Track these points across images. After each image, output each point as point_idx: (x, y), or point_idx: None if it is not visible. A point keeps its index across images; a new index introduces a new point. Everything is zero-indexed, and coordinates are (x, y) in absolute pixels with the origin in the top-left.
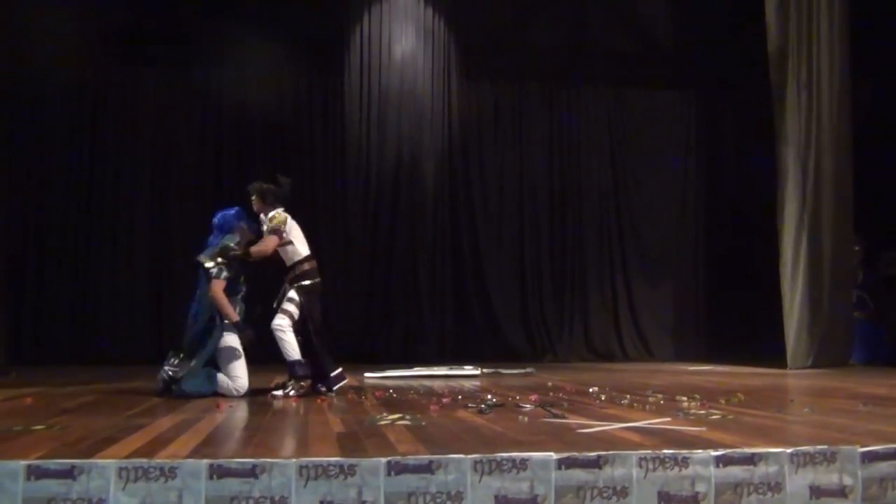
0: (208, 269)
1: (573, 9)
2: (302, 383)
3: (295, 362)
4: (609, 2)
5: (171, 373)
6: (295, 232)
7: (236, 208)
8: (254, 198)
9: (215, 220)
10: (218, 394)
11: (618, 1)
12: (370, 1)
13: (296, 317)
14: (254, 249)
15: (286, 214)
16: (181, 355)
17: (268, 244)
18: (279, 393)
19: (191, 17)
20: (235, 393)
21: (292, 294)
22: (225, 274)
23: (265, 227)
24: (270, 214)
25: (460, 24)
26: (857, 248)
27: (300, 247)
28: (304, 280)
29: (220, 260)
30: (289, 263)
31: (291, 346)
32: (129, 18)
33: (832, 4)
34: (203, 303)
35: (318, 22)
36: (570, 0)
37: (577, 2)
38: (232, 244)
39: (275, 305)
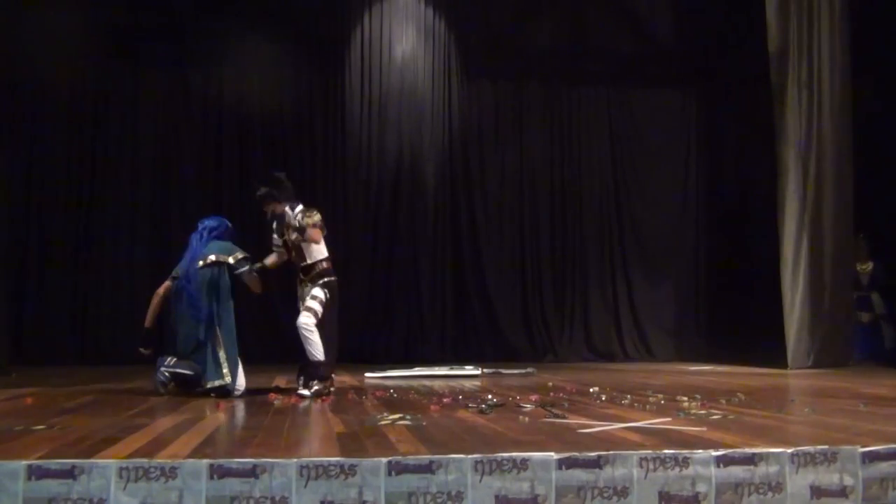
0: (236, 265)
1: (573, 9)
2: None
3: (319, 363)
4: (609, 2)
5: (176, 373)
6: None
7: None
8: (269, 202)
9: (210, 223)
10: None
11: (618, 1)
12: (370, 1)
13: (321, 316)
14: (309, 235)
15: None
16: (172, 360)
17: (316, 235)
18: (306, 392)
19: (191, 17)
20: (235, 393)
21: (318, 292)
22: (249, 266)
23: (295, 223)
24: (300, 209)
25: (460, 24)
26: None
27: (324, 247)
28: (327, 277)
29: (239, 256)
30: (310, 261)
31: (317, 347)
32: (129, 17)
33: (832, 4)
34: (200, 303)
35: (318, 22)
36: (571, 0)
37: (578, 2)
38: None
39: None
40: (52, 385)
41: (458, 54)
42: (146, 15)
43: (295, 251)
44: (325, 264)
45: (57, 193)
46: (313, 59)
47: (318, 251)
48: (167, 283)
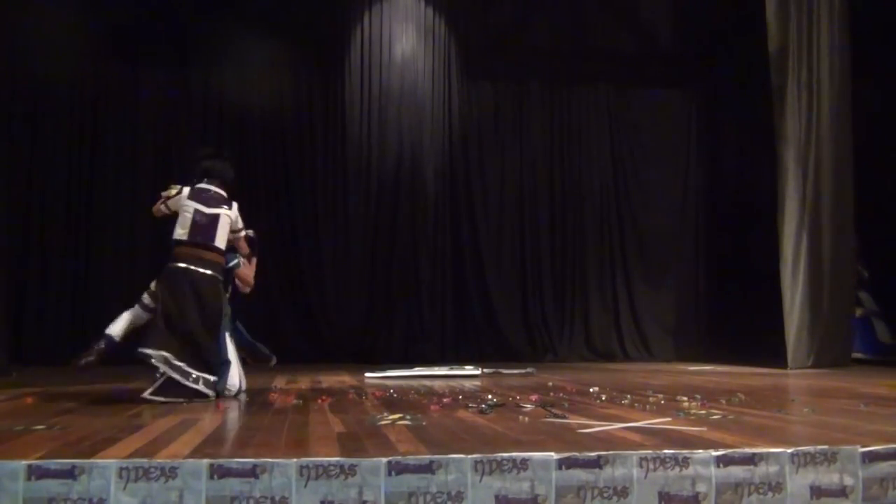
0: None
1: (573, 8)
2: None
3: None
4: (609, 2)
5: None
6: (184, 211)
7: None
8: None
9: None
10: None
11: (618, 1)
12: (370, 1)
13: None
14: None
15: (184, 191)
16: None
17: (156, 205)
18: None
19: (191, 17)
20: (227, 393)
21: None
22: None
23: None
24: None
25: (460, 24)
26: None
27: (179, 228)
28: (169, 263)
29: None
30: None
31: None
32: (128, 18)
33: (832, 4)
34: None
35: (318, 22)
36: (571, 0)
37: (578, 1)
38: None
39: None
40: (52, 385)
41: (458, 54)
42: (146, 15)
43: None
44: (174, 248)
45: (57, 193)
46: (313, 59)
47: (175, 229)
48: None
